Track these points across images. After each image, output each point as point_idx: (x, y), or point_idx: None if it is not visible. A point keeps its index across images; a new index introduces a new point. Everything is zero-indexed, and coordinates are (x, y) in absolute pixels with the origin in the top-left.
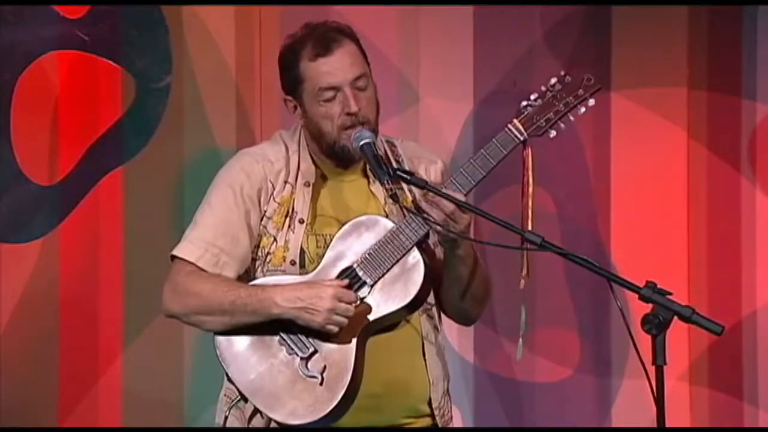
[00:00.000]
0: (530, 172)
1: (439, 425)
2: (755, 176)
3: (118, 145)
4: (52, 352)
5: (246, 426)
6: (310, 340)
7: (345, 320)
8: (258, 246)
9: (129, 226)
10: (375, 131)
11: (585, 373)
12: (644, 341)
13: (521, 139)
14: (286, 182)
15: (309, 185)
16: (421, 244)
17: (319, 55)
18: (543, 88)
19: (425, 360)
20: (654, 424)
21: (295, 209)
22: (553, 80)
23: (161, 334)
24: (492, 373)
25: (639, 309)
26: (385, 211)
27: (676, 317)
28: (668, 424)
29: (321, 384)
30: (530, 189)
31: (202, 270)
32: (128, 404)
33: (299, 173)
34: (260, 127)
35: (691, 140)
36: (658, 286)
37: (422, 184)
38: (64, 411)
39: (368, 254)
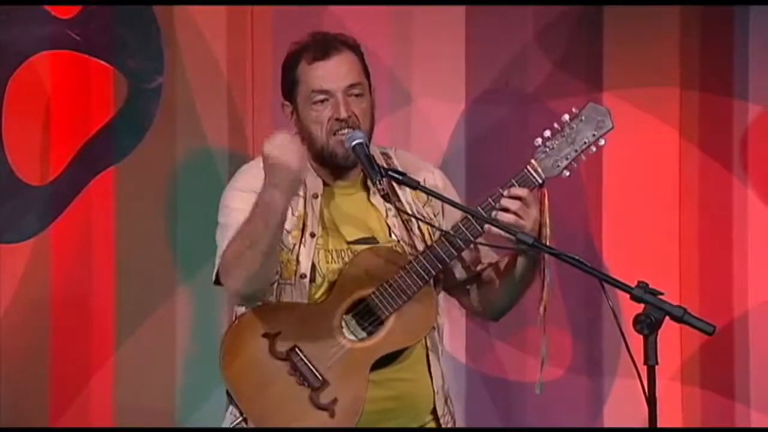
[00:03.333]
0: (546, 214)
1: None
2: (747, 176)
3: (110, 145)
4: (43, 353)
5: None
6: (321, 371)
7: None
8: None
9: (121, 227)
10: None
11: (577, 373)
12: (636, 341)
13: (540, 182)
14: (298, 195)
15: (317, 197)
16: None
17: (316, 58)
18: (556, 125)
19: (430, 371)
20: (646, 424)
21: (306, 223)
22: (566, 117)
23: (153, 335)
24: (483, 374)
25: (631, 309)
26: (387, 224)
27: (667, 317)
28: (660, 424)
29: (332, 417)
30: (547, 231)
31: None
32: (120, 404)
33: (306, 185)
34: (252, 126)
35: (683, 140)
36: (650, 286)
37: (414, 184)
38: (55, 411)
39: (383, 287)
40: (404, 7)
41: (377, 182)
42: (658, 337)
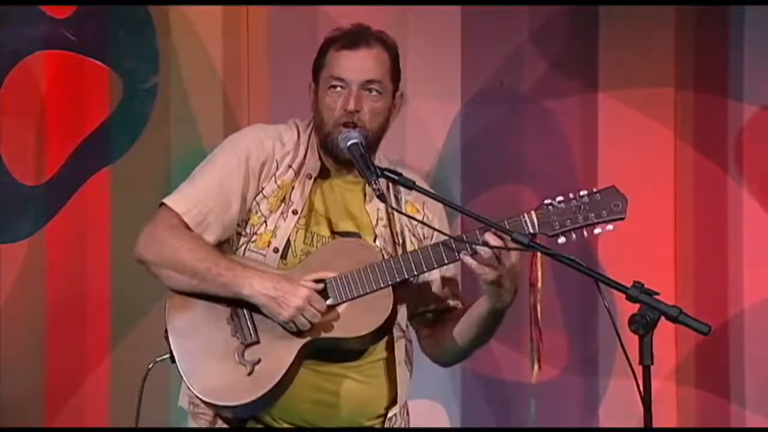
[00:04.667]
0: (538, 268)
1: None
2: (742, 176)
3: (105, 146)
4: (39, 353)
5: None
6: (257, 329)
7: (308, 324)
8: (247, 222)
9: (116, 227)
10: (373, 143)
11: (572, 373)
12: (631, 341)
13: (531, 232)
14: (290, 167)
15: (311, 178)
16: (399, 285)
17: (344, 47)
18: (570, 195)
19: (395, 383)
20: (641, 424)
21: (291, 198)
22: (583, 192)
23: (148, 335)
24: (480, 374)
25: (626, 309)
26: (374, 232)
27: (663, 317)
28: (655, 424)
29: (249, 374)
30: (539, 285)
31: (186, 226)
32: (115, 404)
33: (304, 163)
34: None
35: (678, 140)
36: (645, 286)
37: (410, 185)
38: (50, 411)
39: (345, 275)
40: (399, 7)
41: (372, 182)
42: (654, 337)
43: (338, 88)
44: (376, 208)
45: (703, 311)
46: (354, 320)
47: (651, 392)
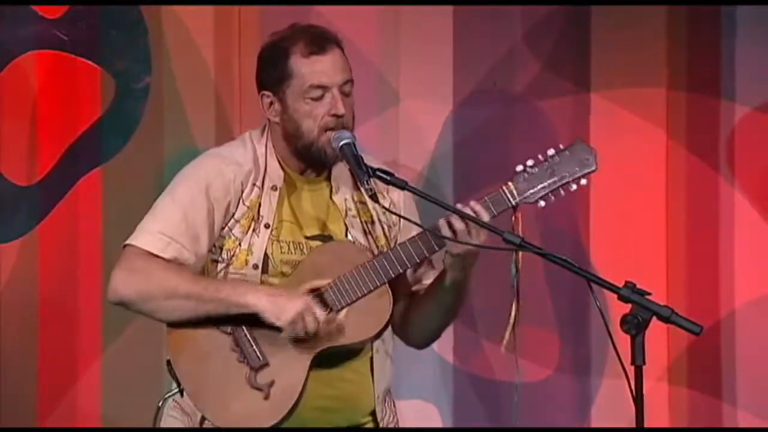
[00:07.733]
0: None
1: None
2: (734, 176)
3: (97, 146)
4: (31, 353)
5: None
6: (263, 352)
7: (306, 331)
8: (222, 248)
9: (108, 227)
10: None
11: (564, 373)
12: (623, 341)
13: (513, 203)
14: (254, 185)
15: (276, 189)
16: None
17: (313, 52)
18: (540, 157)
19: (373, 375)
20: (633, 424)
21: (261, 213)
22: (551, 151)
23: (141, 335)
24: (472, 374)
25: (618, 309)
26: (345, 224)
27: (655, 317)
28: (647, 424)
29: (266, 398)
30: (519, 254)
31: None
32: (107, 405)
33: (266, 176)
34: (239, 127)
35: (670, 140)
36: (637, 286)
37: (402, 185)
38: (43, 411)
39: (340, 280)
40: (392, 7)
41: (365, 182)
42: (646, 337)
43: (319, 97)
44: (343, 198)
45: (695, 311)
46: (358, 324)
47: (643, 392)
